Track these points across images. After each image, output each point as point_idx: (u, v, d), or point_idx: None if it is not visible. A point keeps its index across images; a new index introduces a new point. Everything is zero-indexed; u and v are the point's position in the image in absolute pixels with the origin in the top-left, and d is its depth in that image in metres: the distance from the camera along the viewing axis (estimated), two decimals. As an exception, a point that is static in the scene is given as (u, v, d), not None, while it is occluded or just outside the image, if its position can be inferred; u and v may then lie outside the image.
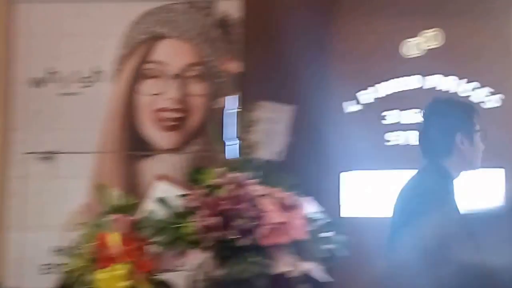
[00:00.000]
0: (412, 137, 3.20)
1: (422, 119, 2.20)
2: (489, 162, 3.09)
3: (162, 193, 1.84)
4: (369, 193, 3.22)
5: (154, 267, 1.76)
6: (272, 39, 3.02)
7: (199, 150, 3.33)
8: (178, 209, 1.77)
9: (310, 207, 1.84)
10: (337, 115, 3.18)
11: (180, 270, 1.75)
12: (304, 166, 2.97)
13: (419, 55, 3.20)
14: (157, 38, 3.43)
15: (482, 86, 3.16)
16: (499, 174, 3.13)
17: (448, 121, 2.12)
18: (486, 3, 3.20)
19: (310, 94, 2.90)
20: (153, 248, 1.77)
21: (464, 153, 2.16)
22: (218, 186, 1.74)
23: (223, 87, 3.32)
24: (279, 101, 2.63)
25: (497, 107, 3.17)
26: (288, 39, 2.92)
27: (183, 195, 1.78)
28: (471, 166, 2.20)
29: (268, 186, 1.79)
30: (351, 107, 3.23)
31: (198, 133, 3.36)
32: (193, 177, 1.81)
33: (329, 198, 3.12)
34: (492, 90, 3.17)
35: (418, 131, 2.23)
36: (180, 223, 1.74)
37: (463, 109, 2.18)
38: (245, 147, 1.85)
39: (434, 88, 3.20)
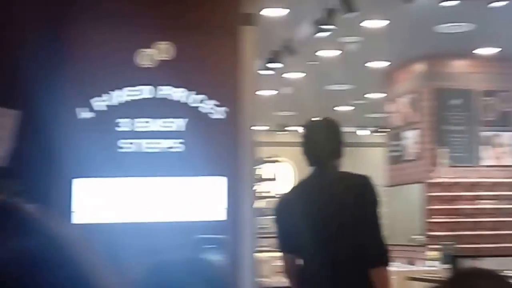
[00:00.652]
0: (145, 145, 3.30)
1: None
2: (213, 170, 3.30)
3: None
4: (101, 200, 3.25)
5: None
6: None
7: None
8: None
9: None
10: (70, 121, 3.16)
11: None
12: (33, 172, 2.92)
13: (152, 65, 3.30)
14: None
15: (210, 98, 3.35)
16: (222, 182, 3.33)
17: None
18: (216, 20, 3.40)
19: (40, 100, 2.85)
20: None
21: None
22: None
23: None
24: (3, 105, 2.55)
25: (222, 118, 3.38)
26: (15, 43, 2.85)
27: None
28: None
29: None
30: (84, 113, 3.23)
31: None
32: None
33: (60, 204, 3.10)
34: (218, 102, 3.37)
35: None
36: None
37: None
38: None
39: (165, 98, 3.33)
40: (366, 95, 12.62)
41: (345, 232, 3.36)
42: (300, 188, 3.68)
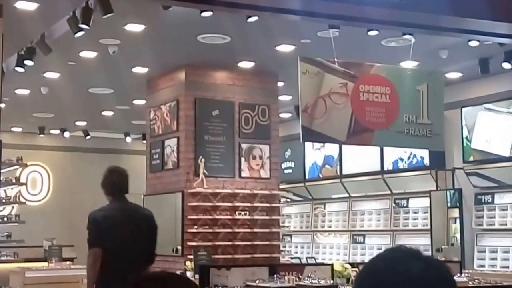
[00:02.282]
0: None
1: None
2: None
3: None
4: None
5: None
6: None
7: None
8: None
9: None
10: None
11: None
12: None
13: None
14: None
15: None
16: None
17: None
18: None
19: None
20: None
21: None
22: None
23: None
24: None
25: None
26: None
27: None
28: None
29: None
30: None
31: None
32: None
33: None
34: None
35: None
36: None
37: None
38: None
39: None
40: (133, 101, 12.35)
41: (139, 241, 5.53)
42: (110, 207, 5.69)
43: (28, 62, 8.39)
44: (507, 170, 10.16)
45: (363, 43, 8.35)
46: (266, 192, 10.25)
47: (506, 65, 9.05)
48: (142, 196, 11.06)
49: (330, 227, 13.41)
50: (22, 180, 11.91)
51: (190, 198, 9.78)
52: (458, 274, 7.20)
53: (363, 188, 12.56)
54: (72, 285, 8.73)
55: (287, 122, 12.92)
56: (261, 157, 10.31)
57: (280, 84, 10.58)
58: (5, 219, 10.30)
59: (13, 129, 14.93)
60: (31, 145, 15.39)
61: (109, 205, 5.68)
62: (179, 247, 9.75)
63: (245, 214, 10.07)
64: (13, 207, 12.85)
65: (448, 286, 1.43)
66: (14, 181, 10.66)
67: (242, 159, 10.18)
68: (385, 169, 11.95)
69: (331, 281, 6.82)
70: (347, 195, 12.94)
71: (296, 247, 13.81)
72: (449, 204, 10.85)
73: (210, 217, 9.87)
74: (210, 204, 9.86)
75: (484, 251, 10.45)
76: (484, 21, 6.70)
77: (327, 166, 13.32)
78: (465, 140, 10.78)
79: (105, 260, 5.39)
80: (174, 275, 1.61)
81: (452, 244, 10.65)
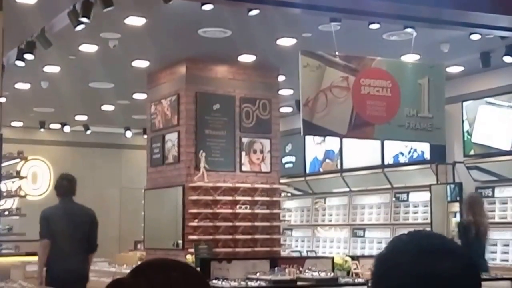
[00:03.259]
0: None
1: None
2: None
3: None
4: None
5: None
6: None
7: None
8: None
9: None
10: None
11: None
12: None
13: None
14: None
15: None
16: None
17: None
18: None
19: None
20: None
21: None
22: None
23: None
24: None
25: None
26: None
27: None
28: None
29: None
30: None
31: None
32: None
33: None
34: None
35: None
36: None
37: None
38: None
39: None
40: (133, 95, 12.34)
41: (77, 232, 6.99)
42: (58, 206, 7.16)
43: (28, 56, 8.38)
44: (508, 164, 10.16)
45: (364, 37, 8.34)
46: (267, 186, 10.25)
47: (507, 59, 9.04)
48: (143, 191, 11.06)
49: (330, 221, 13.42)
50: (23, 174, 11.91)
51: (191, 192, 9.78)
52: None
53: (363, 182, 12.57)
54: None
55: (288, 116, 12.92)
56: (261, 151, 10.31)
57: (281, 78, 10.57)
58: (6, 212, 10.32)
59: (14, 123, 14.92)
60: (32, 139, 15.38)
61: (58, 205, 7.16)
62: (180, 241, 9.76)
63: (246, 208, 10.08)
64: (14, 200, 12.87)
65: (475, 279, 1.42)
66: (15, 174, 10.67)
67: (243, 153, 10.18)
68: (386, 163, 11.95)
69: (332, 274, 6.84)
70: (347, 189, 12.94)
71: (297, 240, 13.83)
72: (449, 198, 10.85)
73: (210, 211, 9.88)
74: (211, 198, 9.86)
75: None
76: (485, 14, 6.69)
77: (327, 160, 13.32)
78: (466, 134, 10.78)
79: (52, 247, 6.85)
80: (182, 264, 1.59)
81: (452, 238, 10.66)
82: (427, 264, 1.37)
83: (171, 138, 10.16)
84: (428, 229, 10.97)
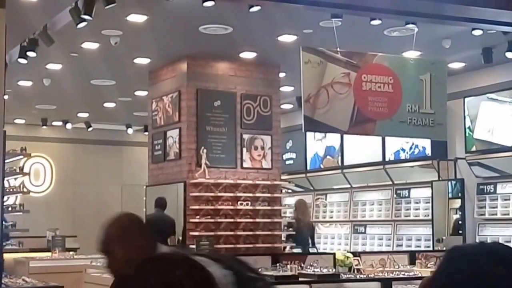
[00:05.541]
0: None
1: None
2: None
3: None
4: None
5: None
6: None
7: None
8: None
9: None
10: None
11: None
12: None
13: None
14: None
15: None
16: None
17: None
18: None
19: None
20: None
21: None
22: None
23: None
24: None
25: None
26: None
27: None
28: None
29: None
30: None
31: None
32: None
33: None
34: None
35: None
36: None
37: None
38: None
39: None
40: (135, 92, 12.34)
41: None
42: None
43: (30, 54, 8.38)
44: (510, 159, 10.16)
45: (366, 33, 8.34)
46: (268, 182, 10.26)
47: (509, 55, 9.03)
48: (145, 187, 11.07)
49: (331, 217, 13.43)
50: (26, 171, 11.94)
51: (192, 189, 9.79)
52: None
53: (364, 178, 12.57)
54: (75, 275, 8.76)
55: (289, 113, 12.92)
56: (262, 148, 10.32)
57: (282, 74, 10.57)
58: (10, 208, 10.34)
59: (16, 121, 14.95)
60: (34, 136, 15.38)
61: None
62: (181, 237, 9.77)
63: (247, 204, 10.09)
64: (17, 196, 12.89)
65: None
66: (18, 170, 10.69)
67: (244, 149, 10.18)
68: (387, 159, 11.95)
69: (333, 270, 6.85)
70: (348, 185, 12.95)
71: (298, 237, 13.83)
72: (450, 195, 10.85)
73: (212, 207, 9.89)
74: (212, 194, 9.87)
75: (486, 241, 10.46)
76: (487, 9, 6.69)
77: (328, 157, 13.32)
78: (467, 130, 10.77)
79: None
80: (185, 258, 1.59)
81: (453, 234, 10.67)
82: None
83: (173, 134, 10.17)
84: (429, 225, 10.98)
